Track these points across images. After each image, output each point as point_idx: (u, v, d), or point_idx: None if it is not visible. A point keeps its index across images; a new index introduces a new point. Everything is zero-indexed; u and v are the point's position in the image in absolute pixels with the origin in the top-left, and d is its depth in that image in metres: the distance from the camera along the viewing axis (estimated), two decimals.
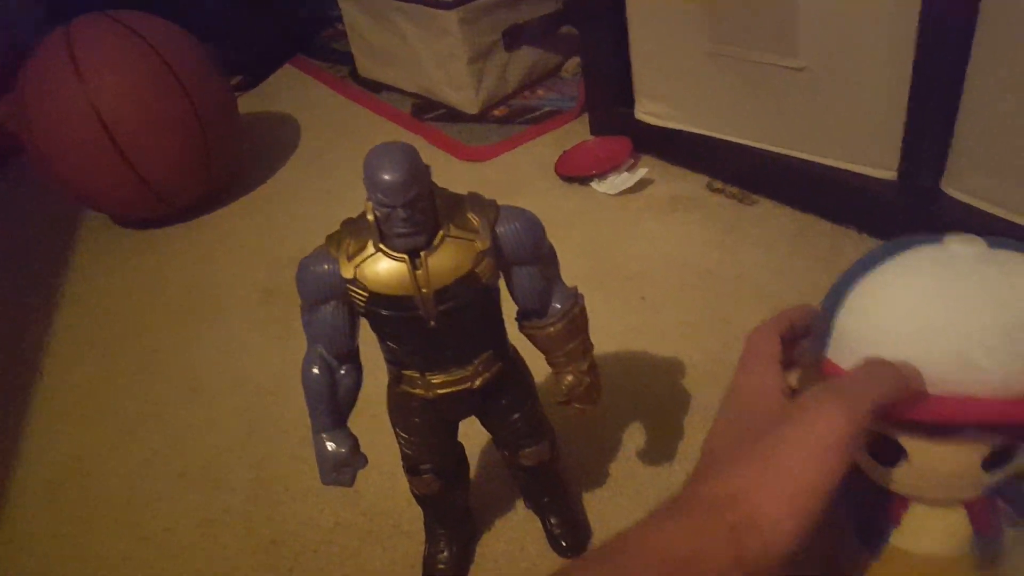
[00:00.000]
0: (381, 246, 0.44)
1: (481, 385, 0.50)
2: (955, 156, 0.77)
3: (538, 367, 0.54)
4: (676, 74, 0.99)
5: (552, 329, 0.50)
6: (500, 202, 0.47)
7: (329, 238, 0.46)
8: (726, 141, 0.98)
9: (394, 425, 0.54)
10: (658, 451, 0.67)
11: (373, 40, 1.44)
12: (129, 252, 1.16)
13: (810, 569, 0.33)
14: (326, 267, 0.45)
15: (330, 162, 1.28)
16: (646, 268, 0.90)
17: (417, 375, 0.49)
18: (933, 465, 0.32)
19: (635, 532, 0.30)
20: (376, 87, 1.49)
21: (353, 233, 0.45)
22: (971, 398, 0.30)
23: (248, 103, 1.51)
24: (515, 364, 0.54)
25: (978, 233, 0.33)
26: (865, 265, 0.33)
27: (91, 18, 1.09)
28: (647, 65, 1.03)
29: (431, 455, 0.56)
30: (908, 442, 0.32)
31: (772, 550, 0.28)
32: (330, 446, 0.49)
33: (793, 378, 0.34)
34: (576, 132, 1.19)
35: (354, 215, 0.46)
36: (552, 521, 0.62)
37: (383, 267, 0.44)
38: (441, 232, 0.44)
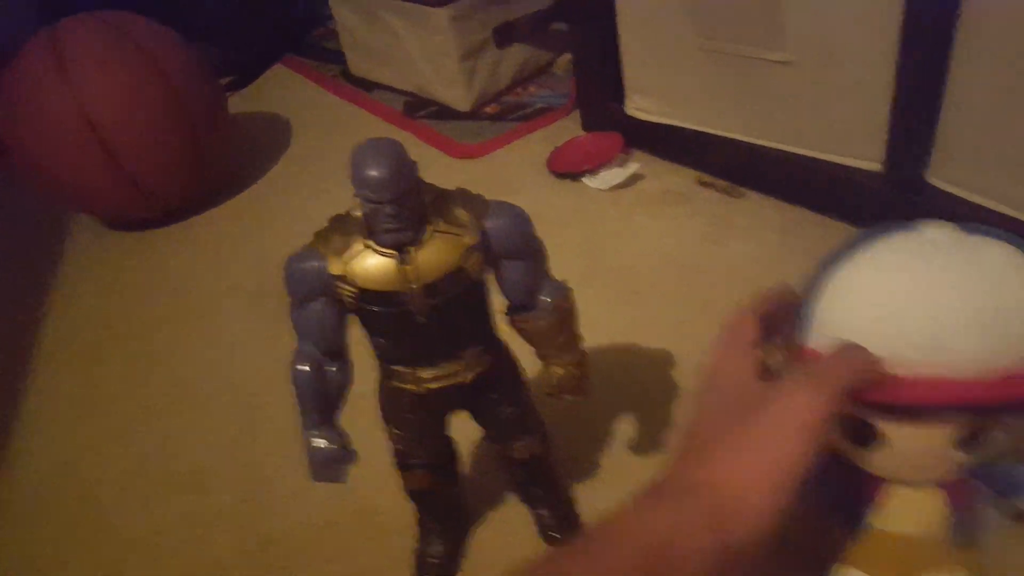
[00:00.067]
0: (369, 242, 0.44)
1: (472, 379, 0.50)
2: (940, 147, 0.78)
3: (528, 360, 0.55)
4: (666, 69, 0.99)
5: (541, 323, 0.51)
6: (492, 198, 0.47)
7: (317, 235, 0.46)
8: (715, 135, 0.98)
9: (385, 421, 0.55)
10: (648, 443, 0.68)
11: (364, 38, 1.44)
12: (119, 254, 1.16)
13: (789, 550, 0.34)
14: (314, 264, 0.45)
15: (322, 162, 1.27)
16: (637, 262, 0.91)
17: (407, 370, 0.50)
18: (908, 446, 0.33)
19: (616, 518, 0.30)
20: (368, 85, 1.48)
21: (341, 230, 0.45)
22: (943, 379, 0.31)
23: (239, 103, 1.50)
24: (505, 358, 0.54)
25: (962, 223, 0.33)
26: (841, 252, 0.34)
27: (77, 19, 1.08)
28: (637, 61, 1.03)
29: (422, 450, 0.56)
30: (883, 424, 0.33)
31: (750, 531, 0.29)
32: (320, 443, 0.49)
33: (773, 359, 0.35)
34: (567, 128, 1.19)
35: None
36: (544, 513, 0.62)
37: (372, 263, 0.44)
38: (429, 227, 0.44)
